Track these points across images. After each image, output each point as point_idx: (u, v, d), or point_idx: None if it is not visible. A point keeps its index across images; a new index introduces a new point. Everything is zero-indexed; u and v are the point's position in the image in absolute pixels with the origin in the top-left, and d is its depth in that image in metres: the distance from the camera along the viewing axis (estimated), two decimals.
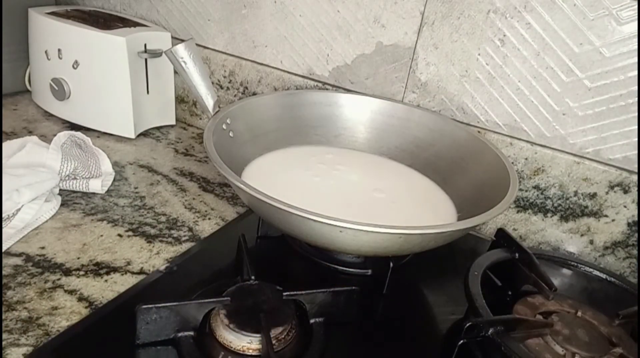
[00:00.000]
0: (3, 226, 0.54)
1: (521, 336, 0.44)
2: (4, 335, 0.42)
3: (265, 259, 0.58)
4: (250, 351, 0.41)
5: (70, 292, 0.48)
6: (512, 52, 0.62)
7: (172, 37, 0.82)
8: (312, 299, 0.46)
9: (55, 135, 0.64)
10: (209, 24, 0.83)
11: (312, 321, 0.46)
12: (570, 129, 0.62)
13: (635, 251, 0.61)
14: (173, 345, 0.43)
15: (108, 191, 0.65)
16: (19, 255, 0.52)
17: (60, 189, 0.62)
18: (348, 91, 0.75)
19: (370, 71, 0.72)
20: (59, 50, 0.76)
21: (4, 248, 0.52)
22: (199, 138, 0.85)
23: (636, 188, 0.59)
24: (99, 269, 0.52)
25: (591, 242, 0.64)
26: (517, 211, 0.67)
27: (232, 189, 0.70)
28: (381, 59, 0.71)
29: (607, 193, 0.61)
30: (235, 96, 0.84)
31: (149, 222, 0.60)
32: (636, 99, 0.57)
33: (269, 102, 0.68)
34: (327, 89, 0.76)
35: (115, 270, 0.52)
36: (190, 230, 0.60)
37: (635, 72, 0.56)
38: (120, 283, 0.50)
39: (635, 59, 0.56)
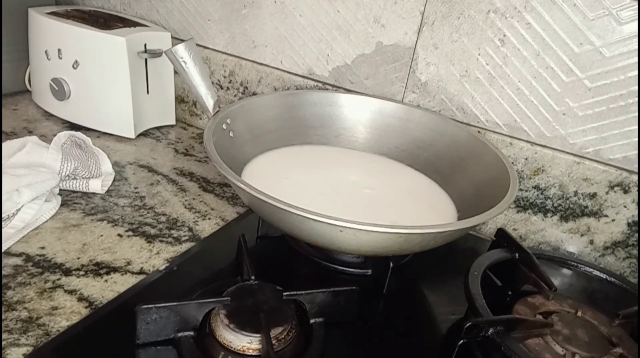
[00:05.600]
0: (3, 226, 0.54)
1: (521, 336, 0.44)
2: (4, 335, 0.42)
3: (265, 259, 0.58)
4: (250, 351, 0.41)
5: (70, 292, 0.48)
6: (512, 52, 0.62)
7: (172, 37, 0.82)
8: (312, 299, 0.46)
9: (55, 135, 0.64)
10: (209, 24, 0.83)
11: (312, 321, 0.46)
12: (570, 129, 0.62)
13: (635, 251, 0.61)
14: (173, 345, 0.43)
15: (108, 191, 0.65)
16: (19, 255, 0.52)
17: (60, 189, 0.62)
18: (348, 91, 0.75)
19: (370, 71, 0.72)
20: (59, 50, 0.76)
21: (4, 248, 0.52)
22: (199, 138, 0.85)
23: (636, 188, 0.59)
24: (99, 269, 0.52)
25: (591, 242, 0.64)
26: (517, 211, 0.67)
27: (232, 189, 0.70)
28: (381, 59, 0.71)
29: (607, 193, 0.61)
30: (235, 96, 0.84)
31: (149, 222, 0.60)
32: (636, 99, 0.57)
33: (269, 102, 0.68)
34: (327, 89, 0.76)
35: (115, 270, 0.52)
36: (190, 230, 0.60)
37: (635, 72, 0.56)
38: (120, 283, 0.50)
39: (635, 59, 0.56)
